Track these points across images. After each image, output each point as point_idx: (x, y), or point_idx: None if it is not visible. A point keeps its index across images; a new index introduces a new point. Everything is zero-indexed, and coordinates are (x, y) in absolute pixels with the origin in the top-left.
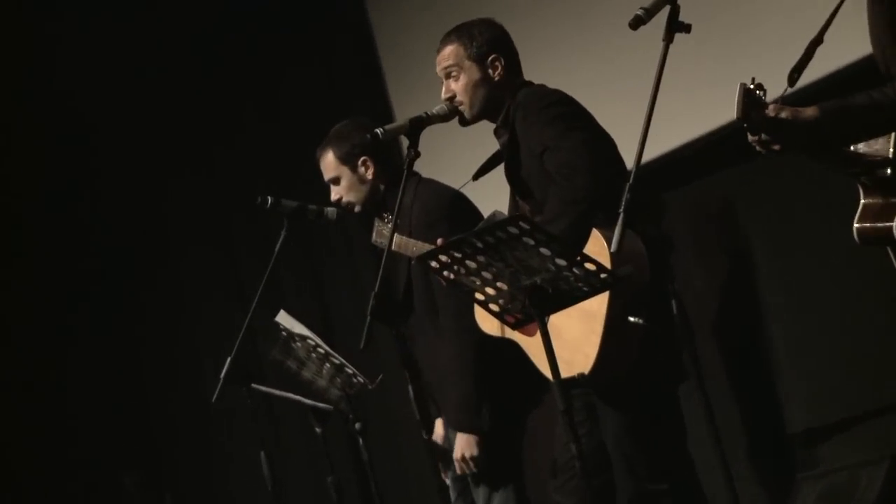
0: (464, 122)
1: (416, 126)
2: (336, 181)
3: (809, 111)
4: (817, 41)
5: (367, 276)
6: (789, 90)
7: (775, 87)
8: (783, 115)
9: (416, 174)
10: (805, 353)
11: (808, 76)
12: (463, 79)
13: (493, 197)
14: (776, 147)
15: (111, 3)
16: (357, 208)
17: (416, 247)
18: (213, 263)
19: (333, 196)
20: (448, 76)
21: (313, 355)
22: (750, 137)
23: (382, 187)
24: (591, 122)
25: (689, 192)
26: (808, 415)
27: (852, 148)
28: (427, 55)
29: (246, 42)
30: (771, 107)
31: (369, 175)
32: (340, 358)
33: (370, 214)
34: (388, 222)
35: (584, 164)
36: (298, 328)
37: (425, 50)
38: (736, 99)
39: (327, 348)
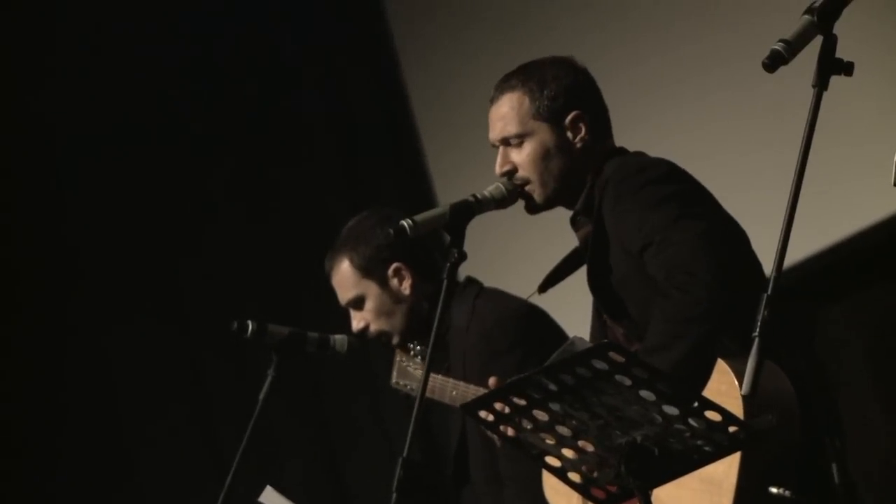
0: (533, 209)
1: (461, 215)
2: (358, 303)
3: None
4: None
5: (400, 432)
6: None
7: None
8: None
9: (475, 283)
10: None
11: None
12: (529, 145)
13: (570, 313)
14: None
15: None
16: (395, 339)
17: (456, 389)
18: (175, 418)
19: (356, 324)
20: (506, 142)
21: None
22: None
23: (426, 306)
24: (714, 206)
25: (864, 305)
26: None
27: None
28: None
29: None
30: None
31: (406, 289)
32: None
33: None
34: (414, 354)
35: (706, 266)
36: None
37: (478, 108)
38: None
39: None
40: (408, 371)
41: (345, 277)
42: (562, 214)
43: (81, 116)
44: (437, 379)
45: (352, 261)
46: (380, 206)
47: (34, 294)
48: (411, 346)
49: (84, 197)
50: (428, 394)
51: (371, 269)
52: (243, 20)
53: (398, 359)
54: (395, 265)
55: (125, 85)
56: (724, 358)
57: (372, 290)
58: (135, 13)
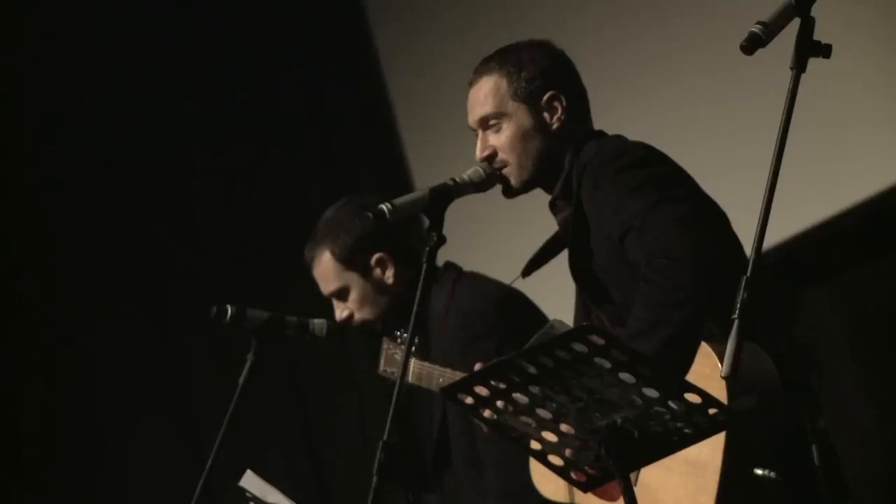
0: (510, 193)
1: (440, 199)
2: (342, 294)
3: None
4: None
5: (380, 416)
6: None
7: None
8: None
9: (454, 268)
10: None
11: None
12: (508, 127)
13: (555, 297)
14: None
15: None
16: (379, 327)
17: (443, 376)
18: (154, 403)
19: (340, 314)
20: (485, 126)
21: None
22: None
23: (409, 293)
24: (693, 189)
25: (845, 286)
26: None
27: None
28: (460, 98)
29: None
30: None
31: (389, 278)
32: None
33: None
34: (401, 342)
35: (687, 250)
36: (273, 495)
37: (455, 91)
38: None
39: None
40: (395, 359)
41: (327, 270)
42: (543, 197)
43: (60, 109)
44: (424, 366)
45: (333, 253)
46: (358, 194)
47: (14, 283)
48: (398, 333)
49: (63, 188)
50: (415, 381)
51: (353, 261)
52: (219, 4)
53: (385, 346)
54: (376, 256)
55: (104, 78)
56: (708, 341)
57: (355, 282)
58: (114, 7)
